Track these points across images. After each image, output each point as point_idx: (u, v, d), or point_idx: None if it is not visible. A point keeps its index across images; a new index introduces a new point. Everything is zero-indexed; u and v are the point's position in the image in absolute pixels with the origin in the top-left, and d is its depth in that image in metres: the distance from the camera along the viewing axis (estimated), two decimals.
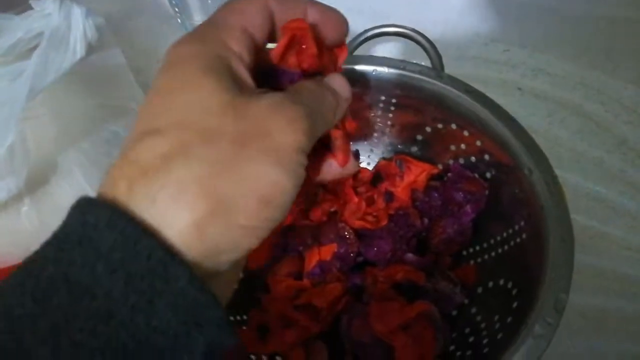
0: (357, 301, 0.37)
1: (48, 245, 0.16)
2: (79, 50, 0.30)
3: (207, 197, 0.16)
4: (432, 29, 0.55)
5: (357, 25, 0.42)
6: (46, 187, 0.32)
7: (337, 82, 0.22)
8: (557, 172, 0.43)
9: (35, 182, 0.32)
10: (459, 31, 0.61)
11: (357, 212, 0.40)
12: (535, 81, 0.56)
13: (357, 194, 0.42)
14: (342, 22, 0.23)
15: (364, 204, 0.40)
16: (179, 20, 0.59)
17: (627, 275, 0.43)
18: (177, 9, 0.58)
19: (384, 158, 0.45)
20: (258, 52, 0.21)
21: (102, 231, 0.15)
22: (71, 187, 0.33)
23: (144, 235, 0.15)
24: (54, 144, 0.33)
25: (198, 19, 0.57)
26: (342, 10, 0.23)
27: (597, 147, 0.51)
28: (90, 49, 0.31)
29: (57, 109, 0.33)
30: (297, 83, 0.21)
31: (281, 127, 0.17)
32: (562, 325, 0.29)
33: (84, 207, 0.16)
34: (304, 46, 0.22)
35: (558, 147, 0.51)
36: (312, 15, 0.22)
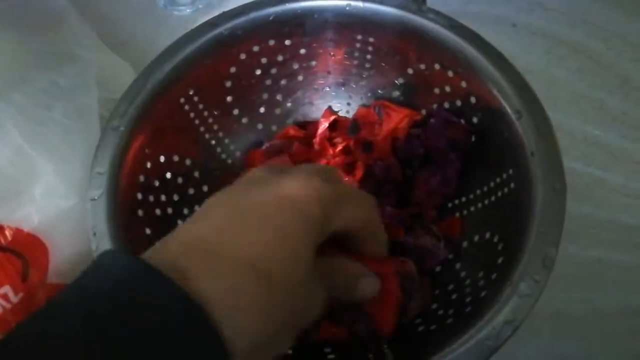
0: None
1: (128, 309, 0.17)
2: None
3: (268, 328, 0.20)
4: None
5: None
6: None
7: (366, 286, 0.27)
8: (554, 114, 0.40)
9: None
10: None
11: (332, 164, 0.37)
12: (532, 16, 0.51)
13: (332, 145, 0.39)
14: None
15: (338, 156, 0.37)
16: None
17: (625, 225, 0.41)
18: None
19: (363, 105, 0.41)
20: None
21: (175, 318, 0.17)
22: (6, 146, 0.30)
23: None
24: None
25: None
26: None
27: (598, 88, 0.47)
28: None
29: None
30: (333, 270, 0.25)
31: (311, 314, 0.23)
32: (556, 278, 0.27)
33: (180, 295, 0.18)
34: None
35: (555, 88, 0.47)
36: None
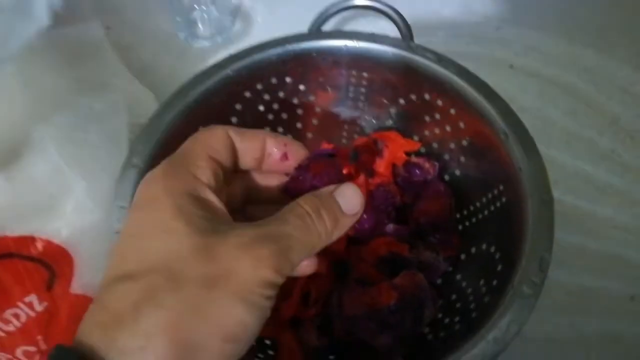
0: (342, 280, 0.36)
1: None
2: (43, 17, 0.29)
3: (173, 344, 0.17)
4: (423, 6, 0.54)
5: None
6: (20, 162, 0.32)
7: (346, 196, 0.24)
8: (547, 151, 0.43)
9: (8, 157, 0.32)
10: (451, 8, 0.61)
11: None
12: (527, 59, 0.56)
13: None
14: (302, 152, 0.27)
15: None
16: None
17: (613, 255, 0.44)
18: None
19: (360, 134, 0.44)
20: (229, 174, 0.24)
21: None
22: (45, 163, 0.33)
23: None
24: (26, 118, 0.33)
25: None
26: None
27: (588, 127, 0.52)
28: (63, 19, 0.31)
29: (29, 82, 0.33)
30: (285, 210, 0.22)
31: (246, 266, 0.18)
32: (547, 305, 0.29)
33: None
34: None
35: (548, 127, 0.52)
36: (272, 146, 0.26)
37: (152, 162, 0.36)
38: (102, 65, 0.40)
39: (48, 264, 0.35)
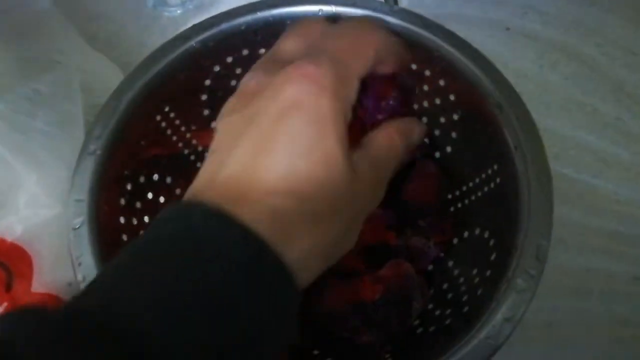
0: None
1: (200, 261, 0.18)
2: None
3: (325, 260, 0.22)
4: None
5: None
6: None
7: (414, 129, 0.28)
8: (546, 120, 0.39)
9: None
10: None
11: None
12: (525, 20, 0.52)
13: None
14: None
15: None
16: None
17: (615, 232, 0.41)
18: None
19: None
20: None
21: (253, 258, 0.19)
22: None
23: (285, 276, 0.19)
24: None
25: None
26: None
27: (591, 93, 0.48)
28: None
29: None
30: (384, 151, 0.25)
31: (370, 204, 0.24)
32: (546, 287, 0.27)
33: (238, 232, 0.19)
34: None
35: (548, 93, 0.48)
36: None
37: (112, 148, 0.33)
38: (50, 42, 0.36)
39: (3, 263, 0.33)
